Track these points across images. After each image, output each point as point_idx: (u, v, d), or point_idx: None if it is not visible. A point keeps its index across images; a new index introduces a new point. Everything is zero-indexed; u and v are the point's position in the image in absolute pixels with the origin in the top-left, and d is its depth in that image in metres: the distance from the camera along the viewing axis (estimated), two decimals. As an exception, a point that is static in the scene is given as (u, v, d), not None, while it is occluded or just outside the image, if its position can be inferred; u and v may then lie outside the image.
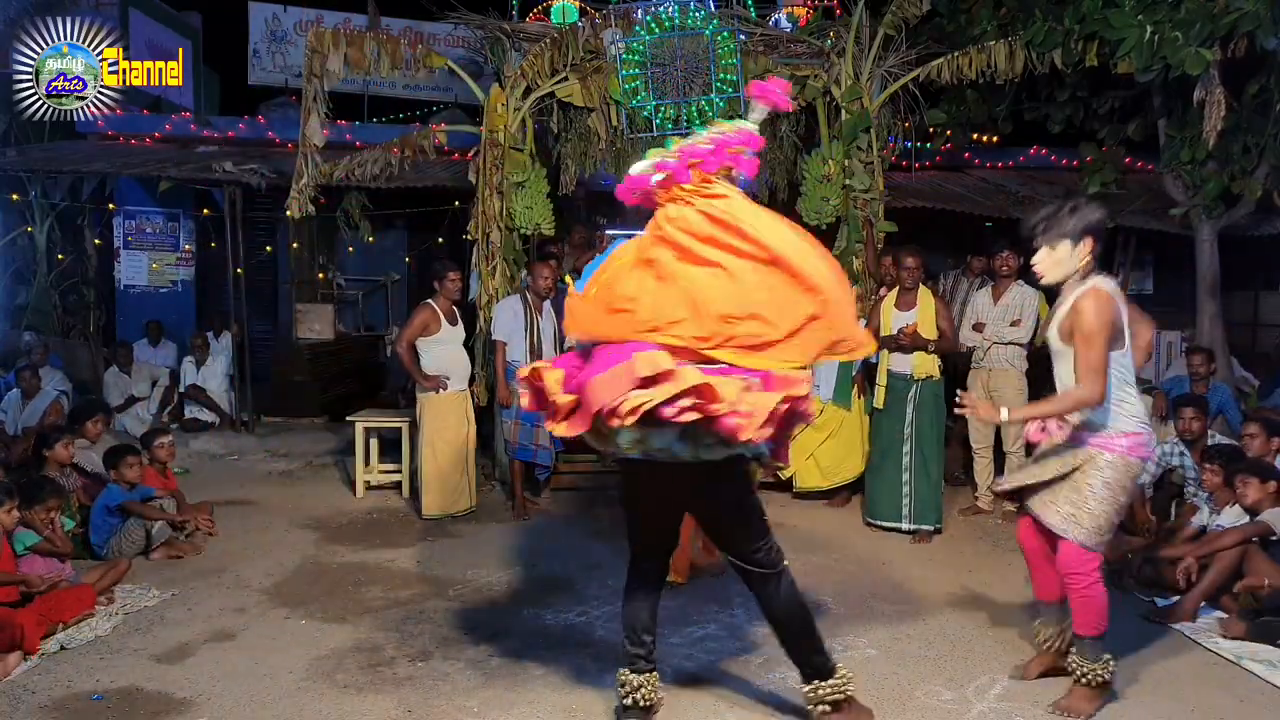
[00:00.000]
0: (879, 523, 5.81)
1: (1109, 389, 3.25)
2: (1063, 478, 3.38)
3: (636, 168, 3.13)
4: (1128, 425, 3.31)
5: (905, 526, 5.69)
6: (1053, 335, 3.42)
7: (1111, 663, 3.43)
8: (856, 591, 4.75)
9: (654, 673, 3.30)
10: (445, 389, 6.07)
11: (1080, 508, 3.32)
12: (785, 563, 3.18)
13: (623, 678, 3.27)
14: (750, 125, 3.11)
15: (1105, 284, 3.30)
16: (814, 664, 3.20)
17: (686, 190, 3.01)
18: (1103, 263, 3.42)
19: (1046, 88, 8.00)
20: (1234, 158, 6.88)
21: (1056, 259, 3.32)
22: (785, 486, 6.65)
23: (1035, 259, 3.37)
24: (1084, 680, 3.41)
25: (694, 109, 7.22)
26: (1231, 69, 6.43)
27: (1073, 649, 3.47)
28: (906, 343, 5.67)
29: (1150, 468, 5.74)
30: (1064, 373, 3.39)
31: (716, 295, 2.84)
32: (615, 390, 2.71)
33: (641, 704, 3.23)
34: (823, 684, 3.17)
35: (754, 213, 2.98)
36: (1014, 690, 3.64)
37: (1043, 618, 3.71)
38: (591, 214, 10.58)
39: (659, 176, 3.04)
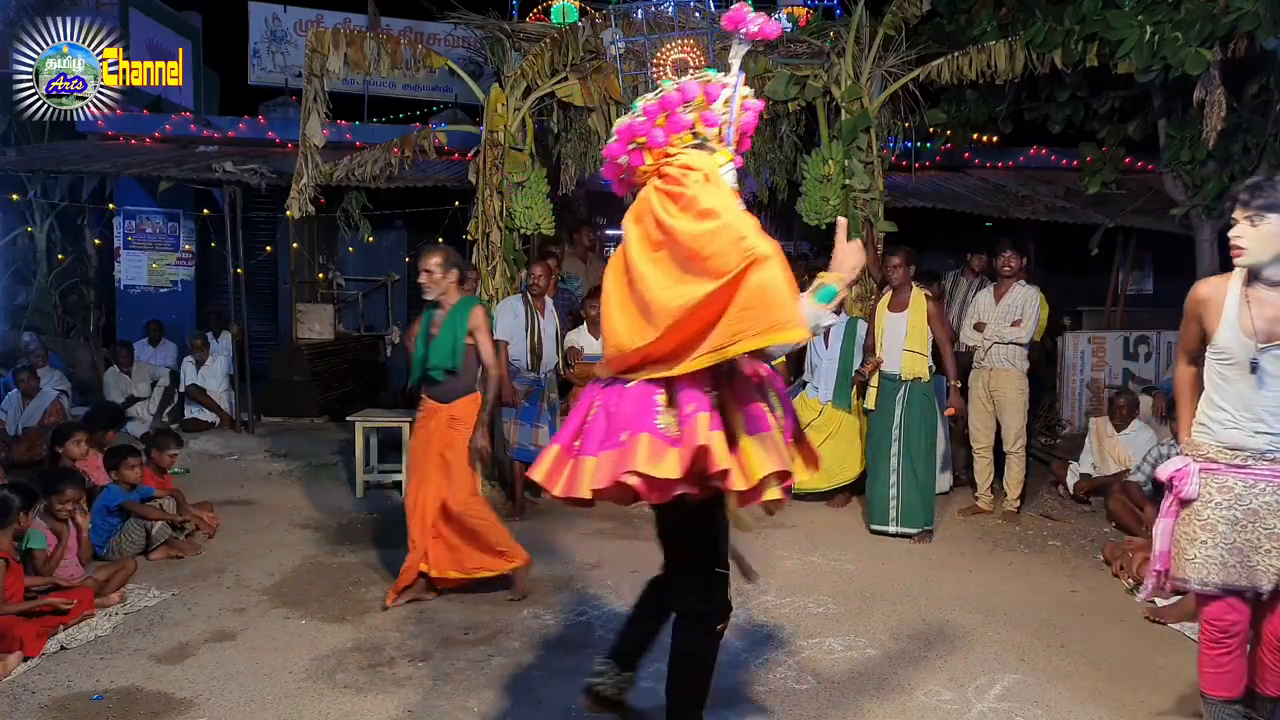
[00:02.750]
0: (875, 528, 5.80)
1: None
2: None
3: (607, 146, 2.73)
4: None
5: (891, 529, 5.68)
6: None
7: None
8: (856, 591, 4.75)
9: (628, 672, 3.04)
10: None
11: None
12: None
13: (598, 662, 3.07)
14: (705, 75, 2.65)
15: None
16: None
17: (647, 171, 2.63)
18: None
19: (1046, 88, 8.00)
20: (1234, 158, 6.88)
21: (1263, 234, 2.72)
22: (785, 487, 6.65)
23: (1234, 233, 2.79)
24: None
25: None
26: (1231, 69, 6.43)
27: None
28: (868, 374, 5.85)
29: (1146, 469, 5.76)
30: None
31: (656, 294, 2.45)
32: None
33: (595, 689, 3.01)
34: None
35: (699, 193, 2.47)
36: (1014, 690, 3.64)
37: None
38: (592, 214, 10.58)
39: (621, 160, 2.68)
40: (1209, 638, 2.88)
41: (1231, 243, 2.78)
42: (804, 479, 5.63)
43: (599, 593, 4.68)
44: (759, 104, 2.73)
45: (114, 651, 3.95)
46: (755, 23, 2.61)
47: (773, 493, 2.50)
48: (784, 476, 2.50)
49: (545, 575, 4.96)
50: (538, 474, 2.65)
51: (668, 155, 2.59)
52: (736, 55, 2.67)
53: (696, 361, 2.38)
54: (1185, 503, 2.88)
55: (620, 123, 2.66)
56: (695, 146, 2.60)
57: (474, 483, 4.56)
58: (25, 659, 3.78)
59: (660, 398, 2.47)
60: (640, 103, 2.63)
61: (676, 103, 2.59)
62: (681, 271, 2.43)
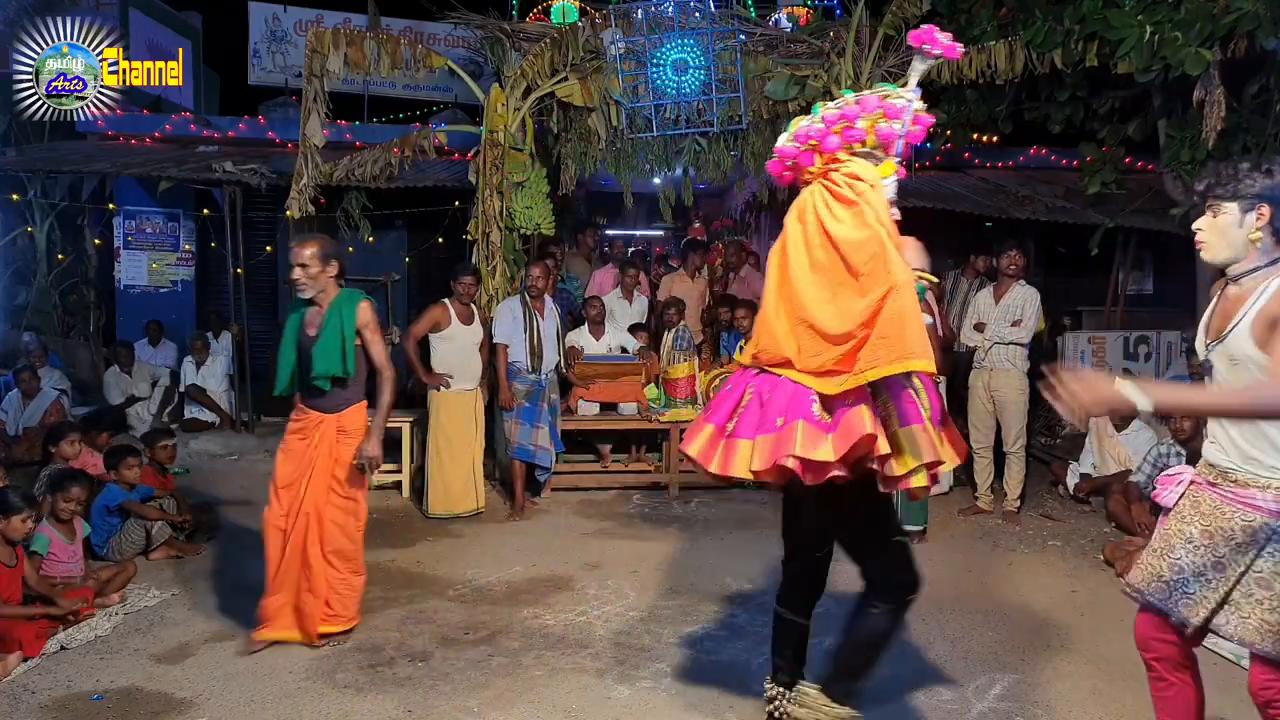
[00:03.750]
0: None
1: None
2: (1241, 572, 2.38)
3: (779, 143, 2.88)
4: None
5: None
6: (1240, 341, 2.39)
7: None
8: (856, 591, 4.73)
9: (792, 688, 3.12)
10: (447, 387, 6.09)
11: (1275, 609, 2.32)
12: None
13: (767, 684, 3.20)
14: (884, 89, 2.77)
15: None
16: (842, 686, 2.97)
17: (813, 173, 2.79)
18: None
19: (1046, 88, 8.00)
20: (1234, 158, 6.87)
21: (1218, 227, 2.44)
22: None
23: (1196, 225, 2.52)
24: None
25: (694, 109, 7.23)
26: (1231, 69, 6.43)
27: None
28: None
29: (1146, 469, 5.75)
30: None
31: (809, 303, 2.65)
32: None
33: (775, 715, 3.14)
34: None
35: (857, 206, 2.60)
36: (1014, 690, 3.64)
37: None
38: (592, 214, 10.58)
39: (789, 162, 2.83)
40: (1145, 663, 2.63)
41: (1196, 237, 2.52)
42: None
43: (599, 593, 4.68)
44: (929, 119, 2.84)
45: (114, 651, 3.95)
46: (939, 48, 2.79)
47: (919, 479, 2.67)
48: (931, 465, 2.67)
49: (545, 575, 4.96)
50: (692, 450, 2.79)
51: (836, 161, 2.73)
52: (915, 71, 2.81)
53: (842, 383, 2.57)
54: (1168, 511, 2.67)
55: (799, 124, 2.80)
56: (863, 155, 2.74)
57: (363, 508, 4.10)
58: (25, 659, 3.79)
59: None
60: (820, 109, 2.77)
61: (855, 115, 2.73)
62: (837, 284, 2.61)
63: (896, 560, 2.90)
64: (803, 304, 2.66)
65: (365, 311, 4.00)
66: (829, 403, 2.63)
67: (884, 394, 2.67)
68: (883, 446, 2.57)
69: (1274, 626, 2.30)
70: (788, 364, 2.70)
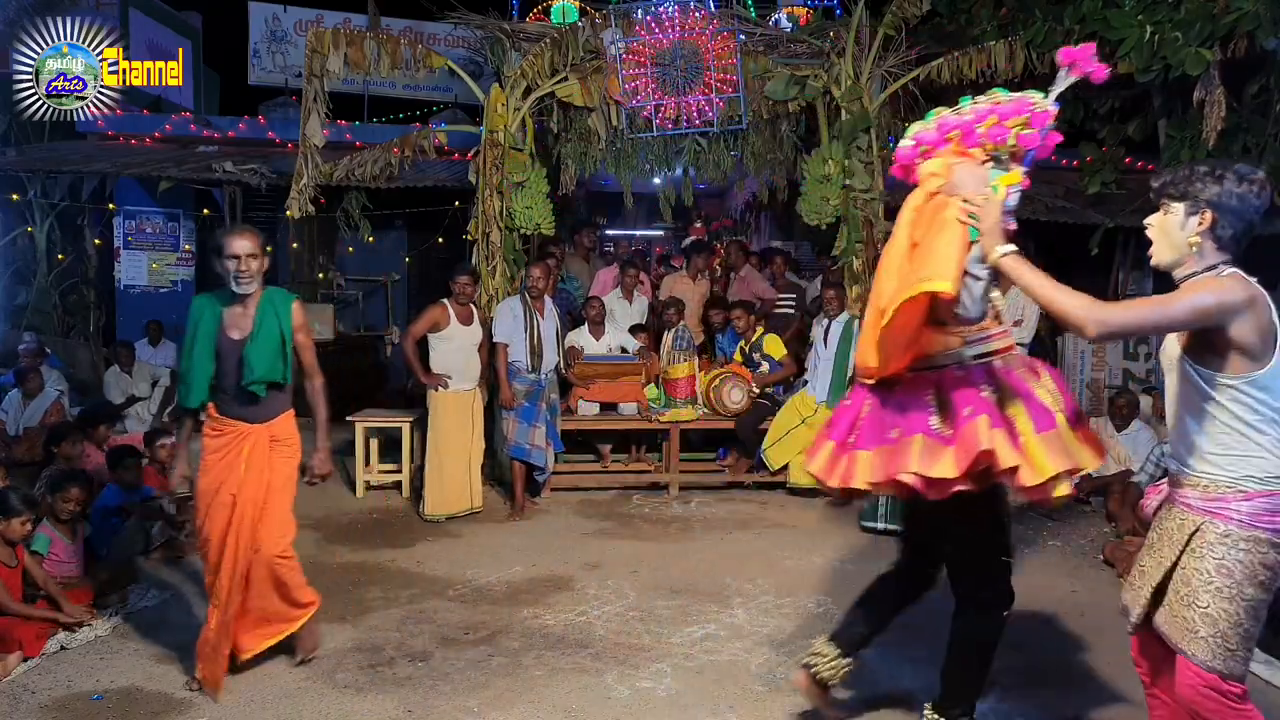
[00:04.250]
0: (865, 525, 5.81)
1: (1228, 424, 2.26)
2: (1173, 567, 2.37)
3: (904, 141, 2.87)
4: (1252, 483, 2.25)
5: (879, 526, 5.69)
6: (1170, 343, 2.42)
7: None
8: (856, 591, 4.72)
9: (847, 659, 3.16)
10: (446, 388, 6.09)
11: (1191, 605, 2.29)
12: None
13: (820, 639, 3.21)
14: (1032, 95, 2.72)
15: (1248, 279, 2.28)
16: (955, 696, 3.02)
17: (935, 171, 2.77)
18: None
19: (1046, 88, 8.01)
20: (1234, 158, 6.89)
21: (1164, 226, 2.40)
22: (780, 484, 6.66)
23: (1147, 220, 2.50)
24: None
25: (694, 109, 7.23)
26: (1231, 69, 6.44)
27: None
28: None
29: (1150, 468, 5.75)
30: (1185, 400, 2.37)
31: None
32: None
33: (812, 670, 3.13)
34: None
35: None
36: (1014, 690, 3.64)
37: None
38: (592, 214, 10.58)
39: (922, 149, 2.78)
40: (1140, 679, 2.71)
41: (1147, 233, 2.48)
42: (806, 480, 5.64)
43: (599, 593, 4.68)
44: (1058, 136, 2.80)
45: (114, 651, 3.95)
46: (1090, 67, 2.75)
47: (1061, 489, 2.59)
48: (1072, 471, 2.60)
49: (545, 575, 4.96)
50: (814, 467, 2.84)
51: (967, 155, 2.71)
52: (1060, 86, 2.77)
53: (874, 333, 2.61)
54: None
55: (941, 114, 2.77)
56: (993, 159, 2.71)
57: (293, 520, 3.77)
58: (25, 659, 3.79)
59: (930, 397, 2.65)
60: (970, 102, 2.74)
61: (1009, 113, 2.68)
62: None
63: (996, 578, 2.88)
64: (880, 294, 2.69)
65: (300, 312, 3.71)
66: (946, 412, 2.60)
67: (1011, 398, 2.61)
68: (1006, 459, 2.49)
69: (1188, 623, 2.30)
70: (874, 373, 2.74)
